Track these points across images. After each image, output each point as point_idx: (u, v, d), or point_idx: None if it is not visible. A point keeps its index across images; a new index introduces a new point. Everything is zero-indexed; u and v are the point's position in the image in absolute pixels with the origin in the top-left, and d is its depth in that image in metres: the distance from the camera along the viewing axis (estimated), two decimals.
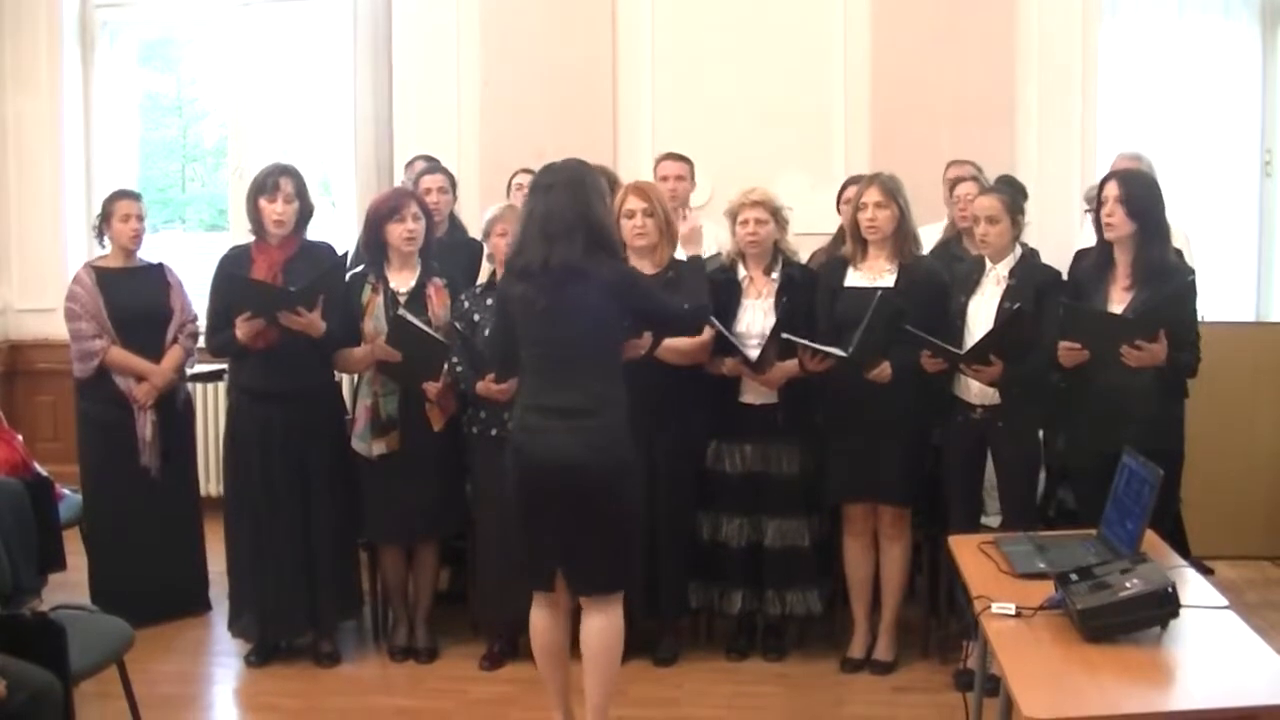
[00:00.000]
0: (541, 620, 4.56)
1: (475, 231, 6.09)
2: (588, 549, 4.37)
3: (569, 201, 4.33)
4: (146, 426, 5.92)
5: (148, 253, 6.18)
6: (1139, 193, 4.76)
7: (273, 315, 5.26)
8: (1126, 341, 4.55)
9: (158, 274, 6.13)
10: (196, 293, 6.09)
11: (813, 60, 7.49)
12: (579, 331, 4.32)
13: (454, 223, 6.48)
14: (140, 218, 6.02)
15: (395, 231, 5.45)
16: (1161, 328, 4.55)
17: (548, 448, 4.30)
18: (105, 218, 5.99)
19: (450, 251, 5.97)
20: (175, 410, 6.07)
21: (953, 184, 6.15)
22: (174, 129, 9.47)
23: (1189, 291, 4.76)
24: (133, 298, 5.98)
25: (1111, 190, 4.78)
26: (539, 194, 4.40)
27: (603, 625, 4.45)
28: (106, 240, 6.03)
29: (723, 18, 7.55)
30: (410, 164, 6.87)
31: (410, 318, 5.27)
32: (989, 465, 5.25)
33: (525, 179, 6.34)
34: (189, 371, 6.22)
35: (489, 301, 5.34)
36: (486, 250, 5.59)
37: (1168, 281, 4.73)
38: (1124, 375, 4.63)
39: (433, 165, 6.49)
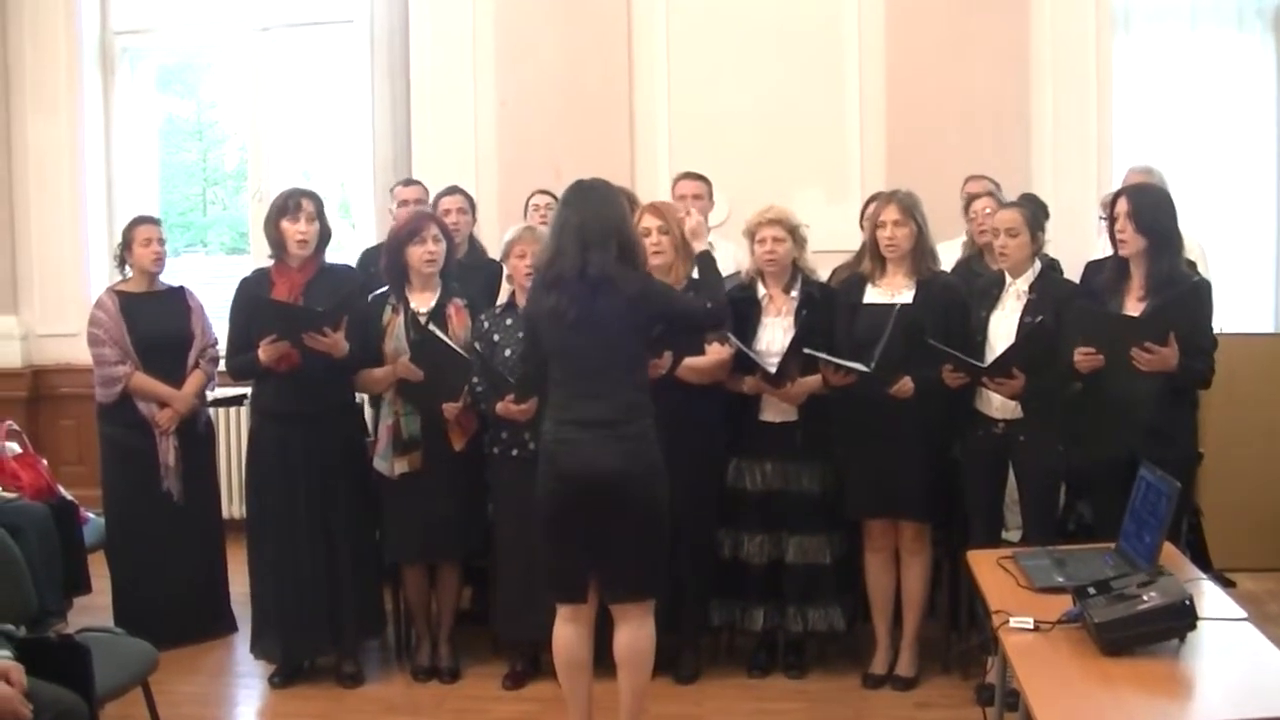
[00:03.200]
0: (565, 634, 4.57)
1: (494, 253, 6.12)
2: (624, 555, 4.42)
3: (604, 211, 4.42)
4: (169, 452, 5.95)
5: (168, 276, 6.21)
6: (1148, 207, 4.77)
7: (297, 336, 5.29)
8: (1136, 344, 4.56)
9: (179, 297, 6.16)
10: (218, 316, 6.12)
11: (828, 78, 7.51)
12: (608, 341, 4.37)
13: (473, 244, 6.51)
14: (161, 241, 6.05)
15: (416, 253, 5.48)
16: (1169, 329, 4.55)
17: (582, 458, 4.35)
18: (126, 244, 6.02)
19: (469, 273, 5.99)
20: (196, 434, 6.09)
21: (970, 199, 6.15)
22: (194, 153, 9.52)
23: (1198, 295, 4.76)
24: (155, 322, 6.01)
25: (1122, 206, 4.80)
26: (572, 205, 4.45)
27: (636, 632, 4.50)
28: (128, 267, 6.06)
29: (738, 37, 7.58)
30: (393, 189, 6.93)
31: (438, 332, 5.30)
32: (1010, 479, 5.26)
33: (542, 200, 6.41)
34: (210, 396, 6.25)
35: (509, 322, 5.38)
36: (505, 271, 5.62)
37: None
38: (1136, 383, 4.63)
39: (451, 187, 6.52)
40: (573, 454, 4.37)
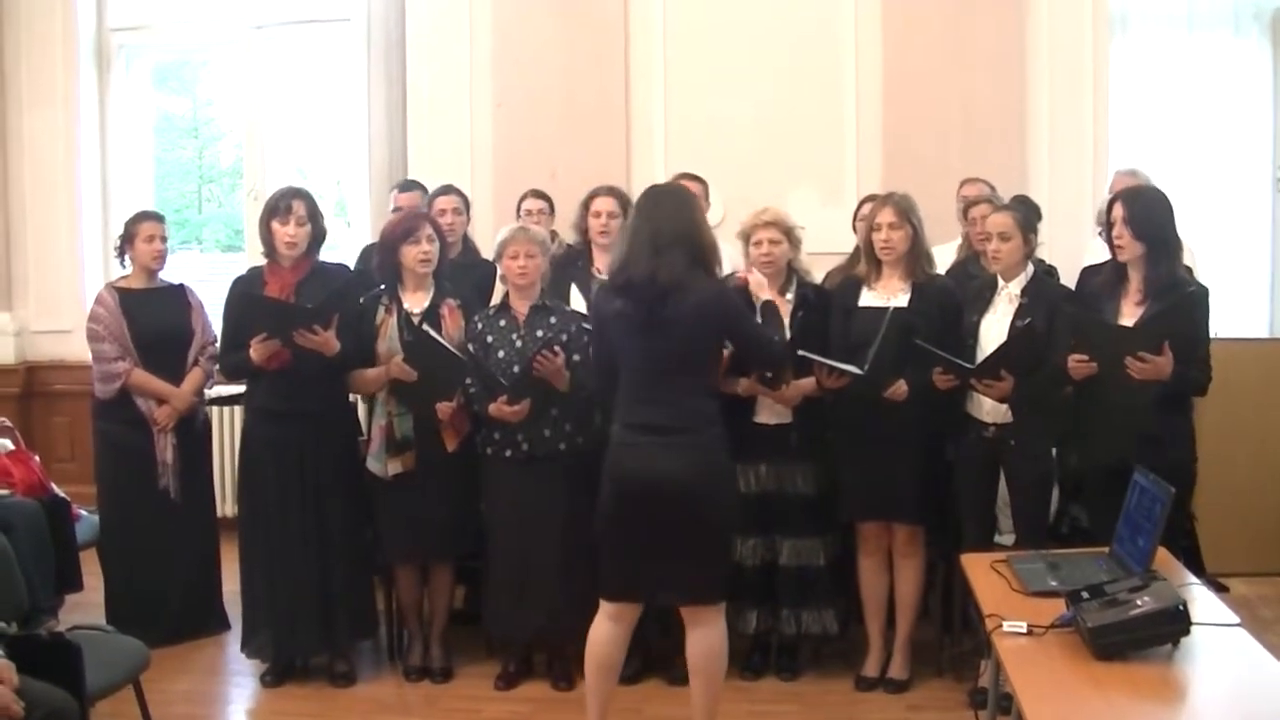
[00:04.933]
0: (606, 632, 4.57)
1: (487, 253, 6.11)
2: (687, 559, 4.43)
3: (676, 217, 4.44)
4: (167, 449, 5.95)
5: (164, 273, 6.19)
6: (1143, 212, 4.76)
7: (287, 334, 5.28)
8: (1129, 353, 4.56)
9: (179, 295, 6.16)
10: (213, 313, 6.12)
11: (824, 79, 7.50)
12: (673, 347, 4.39)
13: (466, 244, 6.50)
14: (164, 239, 6.05)
15: (410, 253, 5.47)
16: (1164, 339, 4.54)
17: (642, 463, 4.38)
18: (128, 238, 6.01)
19: (463, 273, 5.98)
20: (194, 432, 6.09)
21: (967, 203, 6.15)
22: (190, 150, 9.52)
23: (1193, 304, 4.74)
24: (154, 319, 6.01)
25: (1118, 212, 4.78)
26: (644, 211, 4.49)
27: (708, 635, 4.53)
28: (128, 260, 6.05)
29: (734, 39, 7.57)
30: (392, 193, 6.89)
31: (432, 332, 5.30)
32: (1002, 483, 5.26)
33: (534, 204, 6.40)
34: (208, 394, 6.25)
35: (502, 323, 5.39)
36: (499, 272, 5.61)
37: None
38: (1132, 390, 4.62)
39: (446, 187, 6.51)
40: (634, 457, 4.40)
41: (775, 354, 4.85)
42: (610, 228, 5.77)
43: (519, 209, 6.53)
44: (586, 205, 5.90)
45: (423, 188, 6.75)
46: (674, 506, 4.35)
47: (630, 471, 4.40)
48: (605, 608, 4.58)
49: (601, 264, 5.76)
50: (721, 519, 4.51)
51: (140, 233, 5.99)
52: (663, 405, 4.39)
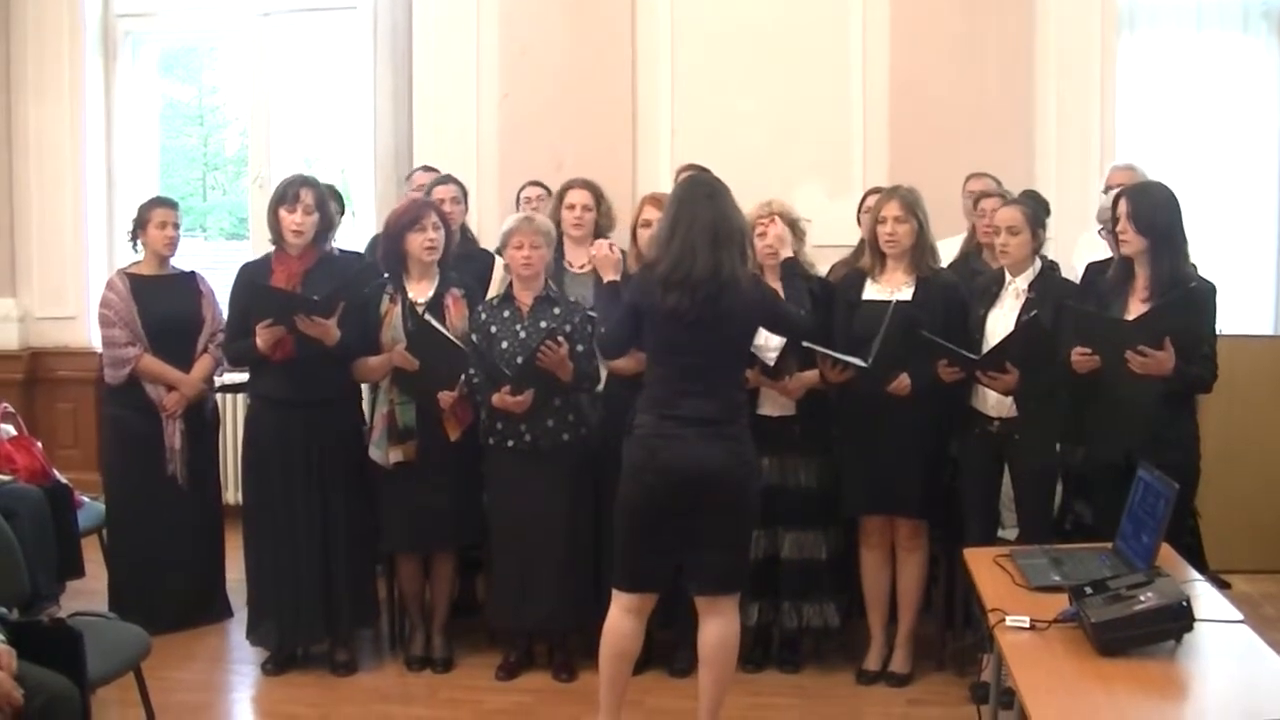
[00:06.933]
0: (625, 625, 4.55)
1: (486, 242, 6.09)
2: (717, 549, 4.44)
3: (731, 211, 4.44)
4: (175, 436, 5.95)
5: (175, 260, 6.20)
6: (1148, 207, 4.73)
7: (290, 320, 5.28)
8: (1131, 347, 4.54)
9: (190, 282, 6.16)
10: (219, 300, 6.11)
11: (831, 72, 7.47)
12: (725, 340, 4.41)
13: (465, 234, 6.45)
14: (176, 225, 6.06)
15: (415, 241, 5.47)
16: (1165, 333, 4.51)
17: (685, 454, 4.34)
18: (141, 224, 6.02)
19: (462, 263, 5.95)
20: (203, 419, 6.11)
21: (975, 197, 6.13)
22: (195, 138, 9.52)
23: (1198, 300, 4.71)
24: (165, 305, 6.01)
25: (1122, 207, 4.77)
26: (694, 204, 4.42)
27: (726, 626, 4.54)
28: (140, 246, 6.06)
29: (742, 31, 7.54)
30: (409, 176, 6.89)
31: (434, 322, 5.29)
32: (1006, 478, 5.25)
33: (534, 191, 6.38)
34: (218, 381, 6.26)
35: (506, 314, 5.39)
36: (501, 262, 5.59)
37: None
38: (1135, 387, 4.61)
39: (444, 176, 6.48)
40: (675, 449, 4.35)
41: (807, 328, 4.89)
42: (584, 220, 5.78)
43: (519, 199, 6.53)
44: (560, 197, 5.90)
45: (437, 171, 6.75)
46: (717, 496, 4.35)
47: (671, 462, 4.35)
48: (623, 600, 4.55)
49: (573, 256, 5.78)
50: (755, 507, 4.55)
51: (153, 219, 6.00)
52: (709, 397, 4.37)
